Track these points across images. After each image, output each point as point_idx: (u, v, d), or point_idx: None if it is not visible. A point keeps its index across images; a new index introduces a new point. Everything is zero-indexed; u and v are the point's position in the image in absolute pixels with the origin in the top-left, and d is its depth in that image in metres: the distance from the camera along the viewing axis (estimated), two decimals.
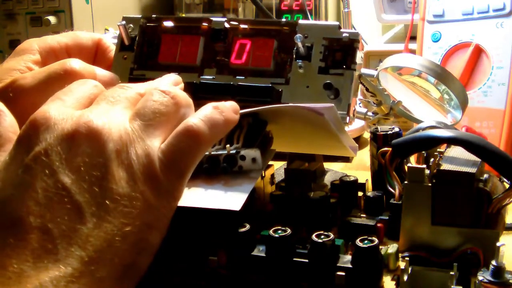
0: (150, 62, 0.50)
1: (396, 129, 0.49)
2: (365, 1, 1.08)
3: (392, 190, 0.43)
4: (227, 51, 0.48)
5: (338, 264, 0.37)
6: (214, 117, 0.39)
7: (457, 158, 0.40)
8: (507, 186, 0.39)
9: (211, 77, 0.48)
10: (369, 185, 0.49)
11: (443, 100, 0.50)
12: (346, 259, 0.37)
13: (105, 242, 0.32)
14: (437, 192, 0.38)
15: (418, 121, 0.51)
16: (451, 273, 0.35)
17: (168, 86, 0.40)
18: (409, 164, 0.40)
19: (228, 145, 0.41)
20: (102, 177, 0.34)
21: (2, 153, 0.36)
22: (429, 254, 0.38)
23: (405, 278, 0.36)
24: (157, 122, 0.37)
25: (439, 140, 0.40)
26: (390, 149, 0.42)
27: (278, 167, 0.58)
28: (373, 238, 0.37)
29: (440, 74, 0.47)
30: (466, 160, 0.39)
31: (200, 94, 0.47)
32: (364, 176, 0.49)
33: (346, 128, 0.45)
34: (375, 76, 0.49)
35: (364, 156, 0.67)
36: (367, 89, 0.49)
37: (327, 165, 0.59)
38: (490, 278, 0.34)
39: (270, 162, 0.48)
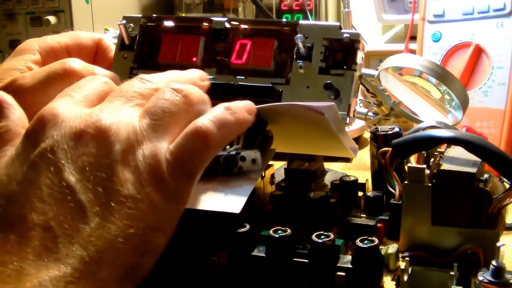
0: (150, 61, 0.50)
1: (396, 129, 0.49)
2: (365, 1, 1.08)
3: (392, 190, 0.43)
4: (227, 51, 0.48)
5: (338, 264, 0.37)
6: (225, 118, 0.38)
7: (457, 158, 0.40)
8: (507, 186, 0.39)
9: (211, 77, 0.48)
10: (369, 185, 0.49)
11: (444, 101, 0.50)
12: (346, 259, 0.37)
13: (107, 243, 0.32)
14: (437, 192, 0.38)
15: (418, 121, 0.51)
16: (451, 273, 0.35)
17: (181, 84, 0.39)
18: (409, 164, 0.40)
19: (228, 146, 0.41)
20: (107, 178, 0.33)
21: (10, 147, 0.36)
22: (429, 254, 0.38)
23: (405, 278, 0.36)
24: (166, 121, 0.36)
25: (439, 140, 0.40)
26: (390, 149, 0.42)
27: (278, 167, 0.58)
28: (373, 238, 0.37)
29: (441, 74, 0.47)
30: (466, 160, 0.39)
31: None
32: (364, 176, 0.49)
33: (346, 129, 0.45)
34: (375, 76, 0.49)
35: (364, 156, 0.67)
36: (367, 90, 0.49)
37: (327, 165, 0.59)
38: (490, 278, 0.34)
39: (270, 162, 0.48)
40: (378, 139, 0.48)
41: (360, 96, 0.49)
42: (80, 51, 0.51)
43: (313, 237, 0.37)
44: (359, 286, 0.36)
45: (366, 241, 0.36)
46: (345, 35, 0.46)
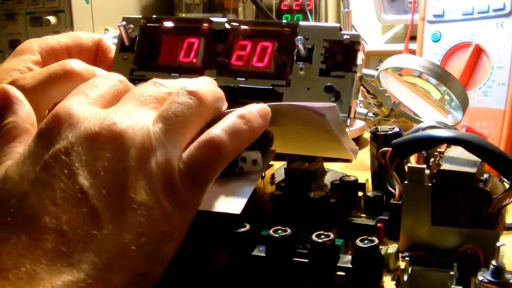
0: (150, 63, 0.50)
1: (396, 129, 0.49)
2: (365, 1, 1.08)
3: (392, 190, 0.43)
4: (227, 52, 0.48)
5: (338, 264, 0.37)
6: (238, 128, 0.38)
7: (457, 158, 0.40)
8: (507, 186, 0.39)
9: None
10: (369, 185, 0.49)
11: (443, 101, 0.50)
12: (346, 259, 0.37)
13: (119, 250, 0.32)
14: (437, 192, 0.38)
15: (418, 122, 0.51)
16: (451, 273, 0.35)
17: (195, 86, 0.38)
18: (409, 164, 0.40)
19: None
20: (120, 183, 0.33)
21: (18, 144, 0.35)
22: (429, 254, 0.38)
23: (405, 278, 0.36)
24: (180, 126, 0.36)
25: (439, 140, 0.40)
26: (390, 149, 0.42)
27: (278, 167, 0.58)
28: (373, 238, 0.37)
29: (441, 75, 0.47)
30: (466, 160, 0.40)
31: None
32: (364, 176, 0.50)
33: (347, 130, 0.45)
34: (375, 77, 0.49)
35: (364, 156, 0.67)
36: (368, 91, 0.50)
37: (327, 165, 0.60)
38: (490, 278, 0.34)
39: (270, 162, 0.48)
40: (378, 139, 0.48)
41: (360, 97, 0.49)
42: (81, 51, 0.51)
43: (313, 237, 0.37)
44: (359, 286, 0.36)
45: (366, 241, 0.36)
46: (345, 36, 0.46)
